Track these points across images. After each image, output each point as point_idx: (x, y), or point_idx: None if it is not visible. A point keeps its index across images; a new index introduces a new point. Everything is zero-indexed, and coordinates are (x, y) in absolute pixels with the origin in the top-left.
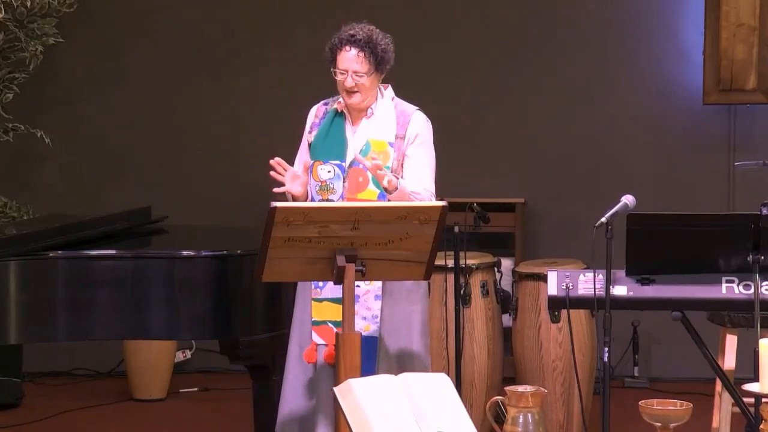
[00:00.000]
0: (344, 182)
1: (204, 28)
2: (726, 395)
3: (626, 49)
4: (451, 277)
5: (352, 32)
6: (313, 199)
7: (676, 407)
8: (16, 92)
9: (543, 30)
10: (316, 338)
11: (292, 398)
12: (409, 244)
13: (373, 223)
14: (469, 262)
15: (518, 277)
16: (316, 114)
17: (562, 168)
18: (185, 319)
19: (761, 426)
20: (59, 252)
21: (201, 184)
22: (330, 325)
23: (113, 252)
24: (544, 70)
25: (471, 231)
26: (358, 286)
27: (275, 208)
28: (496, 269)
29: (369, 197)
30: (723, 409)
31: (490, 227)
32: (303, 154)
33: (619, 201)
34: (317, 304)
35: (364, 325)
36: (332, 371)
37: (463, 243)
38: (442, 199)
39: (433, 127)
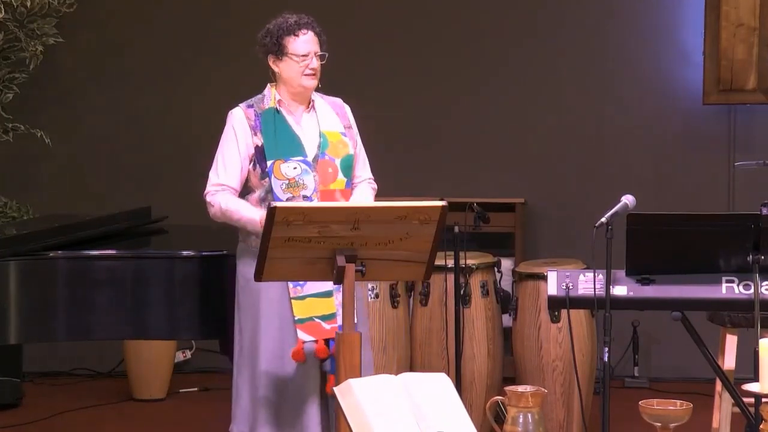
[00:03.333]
0: (314, 176)
1: (204, 29)
2: (726, 395)
3: (626, 49)
4: (451, 277)
5: (296, 19)
6: (278, 198)
7: (676, 407)
8: (16, 92)
9: (543, 30)
10: (303, 336)
11: (268, 397)
12: (409, 244)
13: (373, 223)
14: (469, 262)
15: (518, 277)
16: (246, 117)
17: (562, 168)
18: (185, 319)
19: (761, 426)
20: (59, 252)
21: (201, 184)
22: (317, 320)
23: (113, 252)
24: (544, 70)
25: (471, 231)
26: None
27: (275, 208)
28: (496, 269)
29: (339, 186)
30: (723, 409)
31: (490, 227)
32: (241, 160)
33: (619, 201)
34: (299, 302)
35: None
36: (319, 366)
37: (463, 243)
38: (442, 199)
39: (433, 127)
